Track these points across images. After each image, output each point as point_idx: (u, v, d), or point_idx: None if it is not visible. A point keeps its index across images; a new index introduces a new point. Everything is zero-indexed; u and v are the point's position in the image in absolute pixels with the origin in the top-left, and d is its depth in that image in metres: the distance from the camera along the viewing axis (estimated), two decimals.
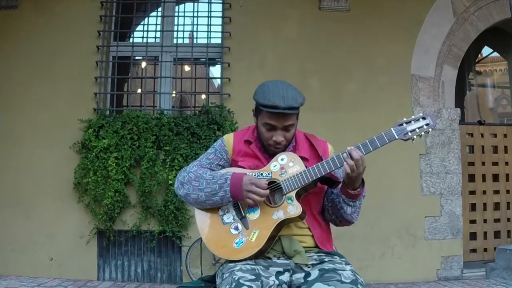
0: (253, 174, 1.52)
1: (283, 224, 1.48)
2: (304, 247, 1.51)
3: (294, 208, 1.46)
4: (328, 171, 1.47)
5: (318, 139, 1.69)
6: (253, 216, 1.49)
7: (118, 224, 4.00)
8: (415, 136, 1.48)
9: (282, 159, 1.53)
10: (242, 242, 1.45)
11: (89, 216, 4.01)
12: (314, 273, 1.41)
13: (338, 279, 1.35)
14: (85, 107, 4.17)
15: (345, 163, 1.43)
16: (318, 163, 1.49)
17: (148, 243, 4.02)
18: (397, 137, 1.48)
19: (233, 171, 1.56)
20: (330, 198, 1.59)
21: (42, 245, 4.00)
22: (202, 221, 1.57)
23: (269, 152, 1.60)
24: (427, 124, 1.48)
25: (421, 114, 1.51)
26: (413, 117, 1.51)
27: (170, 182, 3.90)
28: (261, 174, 1.52)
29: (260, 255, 1.47)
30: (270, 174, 1.52)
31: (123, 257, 4.08)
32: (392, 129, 1.48)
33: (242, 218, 1.50)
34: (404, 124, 1.49)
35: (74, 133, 4.07)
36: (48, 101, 4.18)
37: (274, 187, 1.50)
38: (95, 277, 4.02)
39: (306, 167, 1.50)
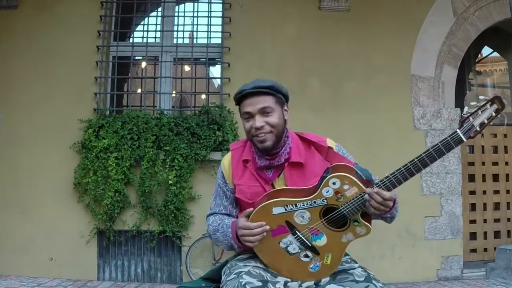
0: (303, 205, 1.43)
1: None
2: None
3: (363, 229, 1.45)
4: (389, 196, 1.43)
5: (316, 137, 1.62)
6: (320, 242, 1.46)
7: (118, 224, 4.00)
8: (483, 130, 1.31)
9: (333, 183, 1.41)
10: (317, 266, 1.46)
11: (89, 216, 4.01)
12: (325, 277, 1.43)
13: (351, 279, 1.36)
14: (85, 107, 4.17)
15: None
16: (378, 182, 1.41)
17: (148, 243, 4.02)
18: (464, 139, 1.31)
19: (232, 221, 1.55)
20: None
21: (42, 245, 4.00)
22: (265, 254, 1.50)
23: (263, 159, 1.54)
24: (496, 110, 1.29)
25: (483, 97, 1.29)
26: (476, 104, 1.29)
27: (170, 182, 3.90)
28: (314, 202, 1.43)
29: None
30: (325, 200, 1.43)
31: (123, 257, 4.09)
32: (457, 130, 1.32)
33: (310, 247, 1.46)
34: (470, 118, 1.31)
35: (74, 133, 4.07)
36: (48, 101, 4.18)
37: (335, 214, 1.44)
38: (95, 277, 4.02)
39: (363, 186, 1.41)
